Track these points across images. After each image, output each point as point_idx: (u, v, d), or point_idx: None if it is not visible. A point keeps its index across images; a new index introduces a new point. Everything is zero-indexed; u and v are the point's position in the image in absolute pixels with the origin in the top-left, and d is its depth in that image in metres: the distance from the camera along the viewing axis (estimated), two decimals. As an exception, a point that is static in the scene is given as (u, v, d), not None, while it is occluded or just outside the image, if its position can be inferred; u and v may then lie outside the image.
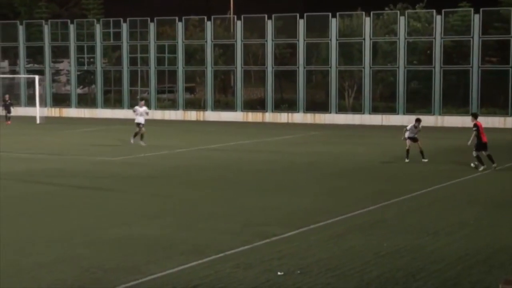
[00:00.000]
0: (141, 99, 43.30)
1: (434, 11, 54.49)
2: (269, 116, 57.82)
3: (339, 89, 56.76)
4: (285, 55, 59.89)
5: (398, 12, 56.53)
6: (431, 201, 21.73)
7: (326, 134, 46.35)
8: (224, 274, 13.54)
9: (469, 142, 28.64)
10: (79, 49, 63.68)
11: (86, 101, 65.32)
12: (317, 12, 57.08)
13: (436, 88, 53.81)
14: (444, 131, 46.65)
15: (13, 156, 31.96)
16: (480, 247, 15.63)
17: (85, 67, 64.52)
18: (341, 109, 56.61)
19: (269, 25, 57.77)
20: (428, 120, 52.38)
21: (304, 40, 56.85)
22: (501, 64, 53.79)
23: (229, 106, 60.08)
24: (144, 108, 38.07)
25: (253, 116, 58.28)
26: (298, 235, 16.94)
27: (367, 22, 55.51)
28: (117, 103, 62.97)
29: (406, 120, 52.80)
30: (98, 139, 42.38)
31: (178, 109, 60.46)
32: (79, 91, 65.86)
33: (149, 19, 61.36)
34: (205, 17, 60.22)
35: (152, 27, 61.17)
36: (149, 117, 59.39)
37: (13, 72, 66.75)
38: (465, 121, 52.05)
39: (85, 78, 66.02)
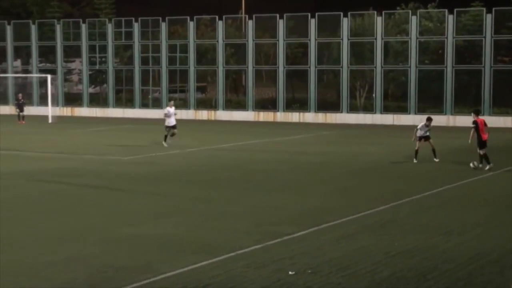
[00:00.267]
0: (170, 100, 42.60)
1: (446, 10, 54.36)
2: (281, 116, 57.80)
3: (350, 88, 56.69)
4: (297, 54, 59.86)
5: (410, 11, 56.41)
6: (442, 201, 21.69)
7: (337, 133, 46.32)
8: (235, 274, 13.56)
9: (470, 140, 28.35)
10: (91, 49, 63.82)
11: (97, 100, 65.47)
12: (329, 12, 57.03)
13: (448, 87, 53.69)
14: (455, 131, 46.52)
15: (25, 155, 32.05)
16: (492, 248, 15.59)
17: (97, 67, 64.67)
18: (352, 109, 56.55)
19: (281, 25, 57.74)
20: (439, 120, 52.24)
21: (316, 39, 56.81)
22: (513, 64, 53.68)
23: (240, 105, 60.09)
24: (174, 109, 37.90)
25: (264, 116, 58.28)
26: (309, 234, 16.94)
27: (379, 21, 55.42)
28: (128, 103, 63.07)
29: (418, 120, 52.63)
30: (109, 138, 42.48)
31: (189, 109, 60.51)
32: (90, 90, 66.03)
33: (160, 18, 61.44)
34: (217, 17, 60.26)
35: (163, 26, 61.24)
36: (161, 116, 59.78)
37: (26, 71, 66.96)
38: (477, 121, 52.03)
39: (97, 78, 66.17)
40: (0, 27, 67.04)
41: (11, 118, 55.08)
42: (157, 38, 61.55)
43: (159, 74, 62.13)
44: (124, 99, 63.54)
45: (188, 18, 60.71)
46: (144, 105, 62.39)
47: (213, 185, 24.51)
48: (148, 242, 16.15)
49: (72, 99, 65.59)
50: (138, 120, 57.80)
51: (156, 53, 61.70)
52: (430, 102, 55.00)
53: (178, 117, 59.21)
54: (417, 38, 54.46)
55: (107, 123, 54.43)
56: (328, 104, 57.73)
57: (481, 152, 28.12)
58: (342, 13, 56.05)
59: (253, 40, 58.64)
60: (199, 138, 39.98)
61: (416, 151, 30.17)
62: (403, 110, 54.82)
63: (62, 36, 64.43)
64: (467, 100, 54.79)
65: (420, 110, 54.09)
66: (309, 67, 57.21)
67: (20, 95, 56.19)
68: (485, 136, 28.12)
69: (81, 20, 65.04)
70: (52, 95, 57.71)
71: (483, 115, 52.32)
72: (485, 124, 28.41)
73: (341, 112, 56.36)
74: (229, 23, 61.25)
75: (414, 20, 54.70)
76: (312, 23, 56.80)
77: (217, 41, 59.83)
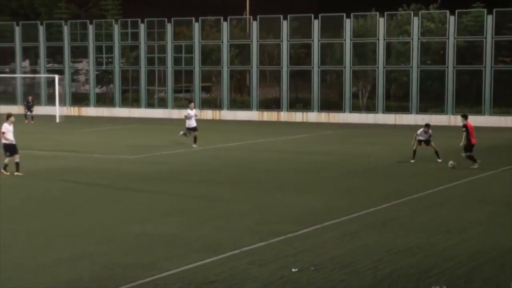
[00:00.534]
0: (190, 102, 42.12)
1: (448, 11, 54.29)
2: (284, 115, 57.80)
3: (353, 89, 56.66)
4: (300, 55, 59.81)
5: (412, 12, 56.35)
6: (443, 199, 21.69)
7: (340, 133, 46.31)
8: (239, 271, 13.58)
9: (462, 144, 28.41)
10: (98, 49, 63.87)
11: (104, 100, 65.51)
12: (332, 13, 57.00)
13: (449, 87, 53.63)
14: (456, 130, 46.38)
15: (33, 154, 32.08)
16: (492, 246, 15.60)
17: (104, 67, 64.70)
18: (355, 109, 56.52)
19: (284, 26, 57.72)
20: (441, 119, 52.26)
21: (319, 40, 56.80)
22: (514, 64, 53.63)
23: (244, 105, 60.08)
24: (195, 111, 37.53)
25: (268, 115, 58.27)
26: (312, 232, 16.96)
27: (381, 22, 55.38)
28: (134, 102, 63.10)
29: (420, 119, 52.82)
30: (115, 137, 42.53)
31: (194, 108, 60.47)
32: (97, 90, 66.07)
33: (166, 19, 61.45)
34: (221, 18, 60.25)
35: (169, 27, 61.25)
36: (167, 116, 59.89)
37: (34, 71, 67.02)
38: (477, 120, 51.89)
39: (104, 78, 66.20)
40: (8, 28, 67.12)
41: (20, 118, 55.08)
42: (163, 39, 61.56)
43: (165, 74, 62.16)
44: (130, 99, 63.57)
45: (193, 19, 60.70)
46: (150, 105, 62.42)
47: (217, 184, 24.53)
48: (154, 240, 16.18)
49: (79, 99, 65.65)
50: (144, 119, 57.86)
51: (162, 53, 61.72)
52: (431, 102, 54.94)
53: (183, 116, 59.33)
54: (418, 38, 54.41)
55: (113, 122, 54.49)
56: (331, 104, 57.71)
57: (466, 154, 28.13)
58: (344, 14, 56.01)
59: (257, 41, 58.62)
60: (204, 138, 39.86)
61: (414, 151, 30.14)
62: (405, 110, 54.77)
63: (69, 37, 64.48)
64: (468, 100, 54.73)
65: (421, 110, 54.05)
66: (312, 68, 57.19)
67: (30, 98, 56.27)
68: (474, 140, 28.27)
69: (88, 21, 65.08)
70: (60, 95, 57.76)
71: (484, 114, 52.41)
72: (473, 129, 28.61)
73: (344, 112, 56.32)
74: (233, 24, 61.24)
75: (416, 21, 54.65)
76: (315, 24, 56.78)
77: (222, 42, 59.83)
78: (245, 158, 32.16)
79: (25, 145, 31.17)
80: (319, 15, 56.70)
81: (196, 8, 71.93)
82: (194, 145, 35.83)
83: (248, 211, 19.66)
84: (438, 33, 54.87)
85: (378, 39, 55.29)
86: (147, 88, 62.54)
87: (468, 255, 14.75)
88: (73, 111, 63.49)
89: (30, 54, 67.84)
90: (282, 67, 58.17)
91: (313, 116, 56.84)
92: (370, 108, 56.21)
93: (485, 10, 53.60)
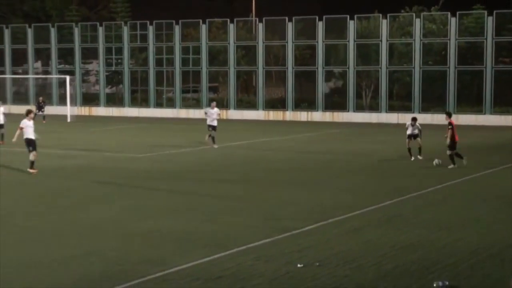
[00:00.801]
0: (212, 101, 40.93)
1: (449, 13, 54.19)
2: (290, 115, 57.79)
3: (356, 88, 56.63)
4: (305, 56, 59.80)
5: (414, 14, 56.29)
6: (445, 197, 21.68)
7: (344, 132, 46.28)
8: (246, 266, 13.60)
9: (448, 141, 28.19)
10: (108, 51, 63.93)
11: (114, 100, 65.58)
12: (336, 15, 56.96)
13: (450, 87, 53.57)
14: (457, 129, 46.30)
15: (45, 153, 32.13)
16: (493, 242, 15.59)
17: (113, 68, 64.76)
18: (359, 108, 56.49)
19: (290, 27, 57.70)
20: (442, 119, 51.89)
21: (323, 41, 56.75)
22: (514, 64, 53.53)
23: (251, 105, 60.08)
24: (216, 110, 36.47)
25: (274, 115, 58.26)
26: (317, 229, 16.97)
27: (384, 24, 55.32)
28: (143, 102, 63.17)
29: (422, 118, 52.67)
30: (125, 136, 42.57)
31: (202, 108, 60.52)
32: (107, 90, 66.12)
33: (174, 21, 61.47)
34: (228, 20, 60.25)
35: (177, 29, 61.28)
36: (175, 115, 59.92)
37: (46, 72, 67.12)
38: (479, 119, 51.96)
39: (113, 78, 66.27)
40: (21, 30, 67.24)
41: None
42: (171, 40, 61.59)
43: (173, 75, 62.18)
44: (140, 99, 63.63)
45: (201, 21, 60.72)
46: (159, 104, 62.47)
47: (224, 182, 24.54)
48: (163, 236, 16.21)
49: (90, 99, 65.73)
50: (152, 119, 57.91)
51: (170, 54, 61.74)
52: (433, 101, 54.87)
53: (192, 116, 59.44)
54: (421, 40, 54.34)
55: (123, 122, 54.54)
56: (335, 104, 57.66)
57: (450, 152, 27.99)
58: (348, 16, 55.97)
59: (263, 42, 58.61)
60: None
61: (409, 149, 30.10)
62: (408, 109, 54.69)
63: (80, 39, 64.56)
64: (469, 99, 54.67)
65: (424, 109, 53.99)
66: (317, 68, 57.17)
67: (41, 98, 56.36)
68: (457, 137, 28.15)
69: (98, 23, 65.15)
70: (71, 95, 57.84)
71: (485, 114, 52.34)
72: (455, 126, 28.49)
73: (348, 111, 56.29)
74: (240, 26, 61.24)
75: (418, 22, 54.59)
76: (320, 25, 56.74)
77: (229, 43, 59.83)
78: (251, 156, 32.17)
79: (38, 143, 31.20)
80: (323, 17, 56.64)
81: (203, 11, 71.95)
82: (214, 145, 34.99)
83: (254, 208, 19.67)
84: (439, 34, 54.79)
85: (381, 40, 55.24)
86: (155, 88, 62.59)
87: (469, 251, 14.74)
88: (84, 110, 63.58)
89: (42, 55, 67.95)
90: (287, 68, 58.16)
91: (317, 116, 56.83)
92: (374, 107, 56.17)
93: (486, 11, 53.50)
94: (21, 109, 58.83)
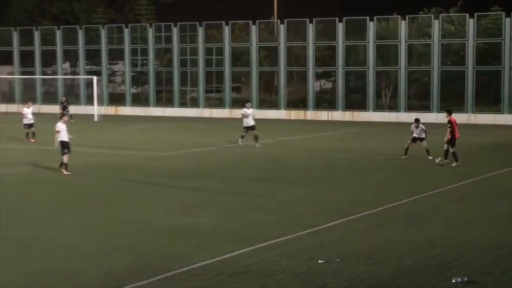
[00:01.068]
0: (247, 101, 39.98)
1: (467, 14, 53.88)
2: (311, 114, 57.70)
3: (376, 88, 56.47)
4: (325, 56, 59.67)
5: (432, 16, 55.99)
6: (463, 195, 21.59)
7: (364, 131, 46.15)
8: (268, 262, 13.63)
9: (446, 139, 28.00)
10: (133, 52, 64.14)
11: (139, 100, 65.77)
12: (356, 16, 56.81)
13: (469, 87, 53.26)
14: (476, 128, 46.16)
15: (73, 151, 32.29)
16: (510, 239, 15.52)
17: (139, 68, 64.97)
18: (378, 108, 56.32)
19: (310, 29, 57.61)
20: (461, 118, 51.77)
21: (343, 42, 56.61)
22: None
23: (273, 104, 60.07)
24: (251, 110, 36.12)
25: (295, 114, 58.21)
26: (337, 225, 16.97)
27: (403, 25, 55.08)
28: (168, 102, 63.30)
29: (441, 118, 52.32)
30: (150, 135, 42.71)
31: (225, 108, 60.62)
32: (133, 90, 66.32)
33: (198, 23, 61.56)
34: (250, 22, 60.24)
35: (200, 31, 61.37)
36: (198, 115, 60.03)
37: (74, 73, 67.43)
38: (497, 119, 51.63)
39: (139, 79, 66.47)
40: (50, 32, 67.61)
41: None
42: (195, 41, 61.67)
43: (197, 75, 62.26)
44: (164, 99, 63.77)
45: (224, 23, 60.77)
46: (183, 104, 62.59)
47: (247, 180, 24.58)
48: (188, 232, 16.27)
49: (116, 99, 65.96)
50: (177, 118, 58.02)
51: (194, 55, 61.84)
52: (452, 101, 54.51)
53: (215, 115, 59.52)
54: (439, 40, 54.06)
55: (148, 121, 54.72)
56: (355, 103, 57.51)
57: (452, 150, 27.84)
58: (368, 18, 55.79)
59: (284, 43, 58.56)
60: (234, 136, 39.96)
61: (406, 149, 29.81)
62: (426, 108, 54.44)
63: (106, 40, 64.80)
64: (487, 99, 54.33)
65: (442, 109, 53.61)
66: (337, 68, 57.06)
67: (64, 98, 56.69)
68: (458, 135, 27.95)
69: (124, 25, 65.36)
70: (98, 95, 58.07)
71: (503, 113, 51.99)
72: (456, 123, 28.25)
73: (368, 110, 56.14)
74: (262, 27, 61.20)
75: (436, 23, 54.31)
76: (340, 27, 56.61)
77: (251, 44, 59.83)
78: (274, 155, 32.16)
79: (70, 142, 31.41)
80: (344, 19, 56.51)
81: (226, 13, 71.96)
82: (256, 144, 34.60)
83: (277, 205, 19.70)
84: (458, 35, 54.48)
85: (400, 41, 55.02)
86: (179, 88, 62.70)
87: (488, 248, 14.68)
88: (110, 110, 63.82)
89: (70, 56, 68.29)
90: (308, 68, 58.08)
91: (338, 115, 56.72)
92: (393, 107, 55.96)
93: (503, 13, 53.12)
94: (50, 108, 59.51)
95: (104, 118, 56.23)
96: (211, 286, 12.20)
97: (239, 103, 61.01)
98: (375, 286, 12.19)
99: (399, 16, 55.81)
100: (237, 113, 58.98)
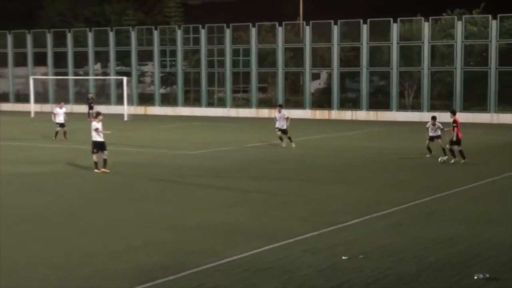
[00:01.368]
0: (279, 106, 38.55)
1: (490, 16, 53.47)
2: (335, 114, 57.59)
3: (399, 88, 56.22)
4: (350, 57, 59.49)
5: (455, 17, 55.63)
6: (485, 193, 21.45)
7: (388, 130, 45.98)
8: (293, 258, 13.65)
9: (454, 138, 27.83)
10: (162, 53, 64.38)
11: (168, 100, 66.00)
12: (380, 18, 56.60)
13: (491, 87, 52.87)
14: (498, 128, 45.82)
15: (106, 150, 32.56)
16: (531, 236, 15.41)
17: (167, 69, 65.19)
18: (401, 107, 56.07)
19: (335, 30, 57.49)
20: (484, 118, 51.68)
21: (367, 43, 56.43)
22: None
23: (298, 104, 60.04)
24: (283, 113, 35.08)
25: (320, 114, 58.12)
26: (361, 223, 16.95)
27: (426, 26, 54.80)
28: (196, 102, 63.48)
29: (464, 117, 52.00)
30: (179, 134, 42.86)
31: (251, 107, 60.67)
32: (162, 91, 66.57)
33: (225, 25, 61.66)
34: (277, 23, 60.24)
35: (228, 32, 61.47)
36: (225, 114, 60.13)
37: (104, 74, 67.82)
38: (518, 118, 51.17)
39: (167, 79, 66.70)
40: (82, 34, 68.07)
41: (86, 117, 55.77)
42: (222, 43, 61.79)
43: (224, 76, 62.37)
44: (192, 99, 63.95)
45: (250, 24, 60.82)
46: (210, 104, 62.73)
47: (273, 178, 24.60)
48: (215, 228, 16.33)
49: (145, 99, 66.25)
50: (204, 118, 58.17)
51: (221, 56, 61.96)
52: (474, 101, 54.21)
53: (242, 115, 59.56)
54: (462, 41, 53.71)
55: (176, 120, 54.90)
56: (379, 103, 57.30)
57: (457, 148, 27.74)
58: (392, 19, 55.58)
59: (310, 44, 58.49)
60: (261, 135, 40.04)
61: (428, 148, 29.55)
62: (449, 108, 54.02)
63: (136, 42, 65.12)
64: (510, 99, 53.81)
65: (465, 109, 53.38)
66: (361, 69, 56.89)
67: (90, 95, 57.04)
68: (461, 134, 27.81)
69: (153, 27, 65.63)
70: (128, 95, 58.37)
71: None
72: (460, 124, 28.14)
73: (391, 110, 55.92)
74: (288, 29, 61.16)
75: (459, 25, 53.96)
76: (364, 28, 56.44)
77: (277, 46, 59.83)
78: (299, 153, 32.13)
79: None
80: (368, 20, 56.34)
81: (253, 14, 71.97)
82: (292, 145, 33.90)
83: (301, 202, 19.71)
84: (481, 36, 54.10)
85: (423, 42, 54.74)
86: (207, 88, 62.84)
87: (509, 245, 14.58)
88: (140, 110, 64.12)
89: (102, 57, 68.71)
90: (333, 69, 57.97)
91: (362, 114, 56.55)
92: (416, 106, 55.69)
93: (527, 14, 52.71)
94: (82, 108, 59.81)
95: (134, 117, 56.50)
96: (237, 282, 12.25)
97: (265, 103, 61.12)
98: (397, 282, 12.17)
99: (423, 18, 55.53)
100: (263, 112, 59.22)
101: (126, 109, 55.99)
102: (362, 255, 13.76)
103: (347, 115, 57.11)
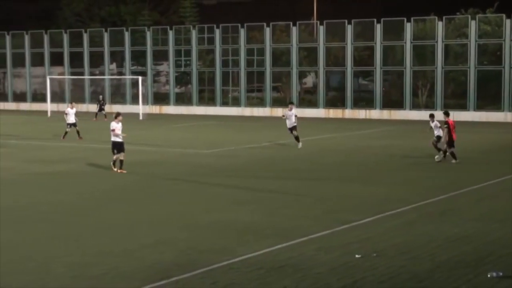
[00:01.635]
0: (290, 103, 37.36)
1: (504, 15, 53.17)
2: (349, 113, 57.46)
3: (413, 87, 56.03)
4: (363, 56, 59.32)
5: (469, 16, 55.35)
6: (498, 191, 21.31)
7: (401, 129, 45.81)
8: (307, 256, 13.60)
9: (443, 139, 27.67)
10: (177, 53, 64.47)
11: (183, 99, 66.10)
12: (393, 17, 56.42)
13: (505, 86, 52.57)
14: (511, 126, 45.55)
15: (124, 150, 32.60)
16: (545, 235, 15.28)
17: (182, 69, 65.28)
18: (415, 106, 55.87)
19: (349, 30, 57.36)
20: (497, 116, 51.46)
21: (381, 43, 56.27)
22: None
23: (312, 103, 59.96)
24: (293, 111, 34.19)
25: (334, 113, 58.00)
26: (374, 221, 16.87)
27: (440, 26, 54.56)
28: (210, 101, 63.52)
29: (477, 116, 52.00)
30: (193, 133, 42.89)
31: (265, 107, 60.65)
32: (177, 90, 66.67)
33: (239, 25, 61.66)
34: (291, 23, 60.18)
35: (242, 32, 61.46)
36: (240, 113, 60.14)
37: (120, 73, 68.00)
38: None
39: (182, 79, 66.80)
40: (98, 34, 68.29)
41: (108, 116, 55.96)
42: (236, 42, 61.79)
43: (238, 75, 62.39)
44: (207, 98, 63.99)
45: (265, 24, 60.79)
46: (225, 103, 62.75)
47: (286, 176, 24.55)
48: (228, 227, 16.30)
49: (160, 98, 66.36)
50: (219, 117, 58.21)
51: (236, 56, 61.96)
52: (488, 100, 53.95)
53: (256, 114, 59.52)
54: (476, 41, 53.44)
55: (191, 119, 54.97)
56: (392, 102, 57.12)
57: (450, 150, 27.55)
58: (405, 19, 55.38)
59: (323, 44, 58.38)
60: (274, 134, 39.99)
61: (435, 147, 29.11)
62: (463, 107, 53.88)
63: (151, 42, 65.23)
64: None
65: (479, 108, 53.16)
66: (375, 68, 56.73)
67: (101, 96, 57.16)
68: (455, 136, 27.61)
69: (168, 27, 65.73)
70: (143, 94, 58.50)
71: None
72: (454, 126, 27.86)
73: (405, 109, 55.73)
74: (302, 28, 61.08)
75: (473, 24, 53.69)
76: (378, 28, 56.28)
77: (291, 45, 59.77)
78: (312, 152, 32.07)
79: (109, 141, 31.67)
80: (381, 20, 56.18)
81: (267, 14, 71.97)
82: (299, 145, 33.32)
83: (315, 201, 19.65)
84: (494, 36, 53.81)
85: (437, 42, 54.51)
86: (221, 88, 62.88)
87: (523, 244, 14.47)
88: (155, 109, 64.26)
89: (117, 57, 68.89)
90: (346, 68, 57.84)
91: (375, 113, 56.40)
92: (429, 105, 55.45)
93: (540, 13, 52.38)
94: (96, 108, 59.86)
95: (149, 116, 56.62)
96: (250, 280, 12.20)
97: (279, 102, 61.07)
98: (411, 281, 12.09)
99: (436, 17, 55.31)
100: (277, 112, 59.18)
101: (141, 109, 56.10)
102: (375, 253, 13.69)
103: (361, 114, 56.96)
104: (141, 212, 18.17)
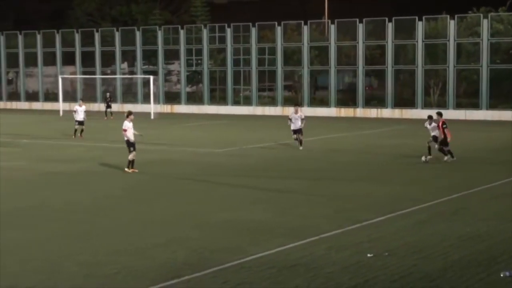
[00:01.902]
0: (296, 105, 36.58)
1: (516, 13, 53.03)
2: (360, 112, 57.35)
3: (424, 86, 55.88)
4: (375, 55, 59.21)
5: (481, 15, 55.16)
6: (510, 190, 21.21)
7: (412, 128, 45.63)
8: (318, 255, 13.60)
9: (449, 138, 27.60)
10: (188, 52, 64.53)
11: (194, 98, 66.18)
12: (405, 16, 56.28)
13: (518, 85, 52.43)
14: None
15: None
16: (558, 234, 15.21)
17: (194, 68, 65.34)
18: (427, 105, 55.70)
19: (360, 29, 57.26)
20: (509, 115, 51.21)
21: (393, 41, 56.14)
22: None
23: (323, 102, 59.90)
24: (300, 114, 33.43)
25: (345, 112, 57.93)
26: (386, 220, 16.84)
27: (452, 24, 54.39)
28: (221, 100, 63.58)
29: (490, 115, 51.80)
30: (205, 132, 42.92)
31: (277, 105, 60.64)
32: (188, 89, 66.75)
33: (251, 24, 61.66)
34: (302, 22, 60.14)
35: (253, 31, 61.46)
36: (251, 112, 60.13)
37: (131, 72, 68.17)
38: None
39: (194, 78, 66.88)
40: (109, 34, 68.44)
41: (120, 116, 56.02)
42: (248, 41, 61.78)
43: (250, 74, 62.39)
44: (218, 97, 64.05)
45: (276, 23, 60.77)
46: (236, 102, 62.78)
47: (298, 175, 24.54)
48: (240, 226, 16.31)
49: (172, 98, 66.47)
50: (230, 116, 58.24)
51: (247, 55, 61.97)
52: (501, 98, 53.74)
53: (267, 113, 59.51)
54: (488, 39, 53.25)
55: (202, 119, 55.02)
56: (404, 101, 56.98)
57: (447, 148, 27.47)
58: (417, 17, 55.24)
59: (335, 43, 58.31)
60: (286, 133, 39.92)
61: (428, 148, 28.89)
62: (475, 106, 53.71)
63: (163, 41, 65.33)
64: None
65: (491, 106, 52.97)
66: (387, 67, 56.61)
67: (108, 94, 57.29)
68: (450, 136, 27.73)
69: (179, 27, 65.81)
70: (154, 94, 58.60)
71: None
72: (440, 126, 28.03)
73: (416, 108, 55.58)
74: (313, 27, 61.04)
75: (485, 22, 53.49)
76: (389, 26, 56.15)
77: (303, 44, 59.72)
78: (323, 151, 32.04)
79: (123, 139, 31.73)
80: (393, 18, 56.05)
81: (278, 13, 71.94)
82: (300, 147, 32.35)
83: (326, 200, 19.64)
84: (507, 34, 53.60)
85: (449, 40, 54.35)
86: (233, 87, 62.90)
87: (535, 243, 14.42)
88: (166, 108, 64.35)
89: (128, 57, 69.04)
90: (358, 67, 57.75)
91: (387, 112, 56.28)
92: (441, 104, 55.27)
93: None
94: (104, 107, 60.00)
95: (160, 116, 56.71)
96: (262, 279, 12.21)
97: (290, 101, 61.04)
98: (423, 280, 12.07)
99: (448, 16, 55.14)
100: (289, 111, 59.15)
101: (152, 108, 56.21)
102: (387, 252, 13.67)
103: (372, 113, 56.86)
104: (153, 211, 18.21)
